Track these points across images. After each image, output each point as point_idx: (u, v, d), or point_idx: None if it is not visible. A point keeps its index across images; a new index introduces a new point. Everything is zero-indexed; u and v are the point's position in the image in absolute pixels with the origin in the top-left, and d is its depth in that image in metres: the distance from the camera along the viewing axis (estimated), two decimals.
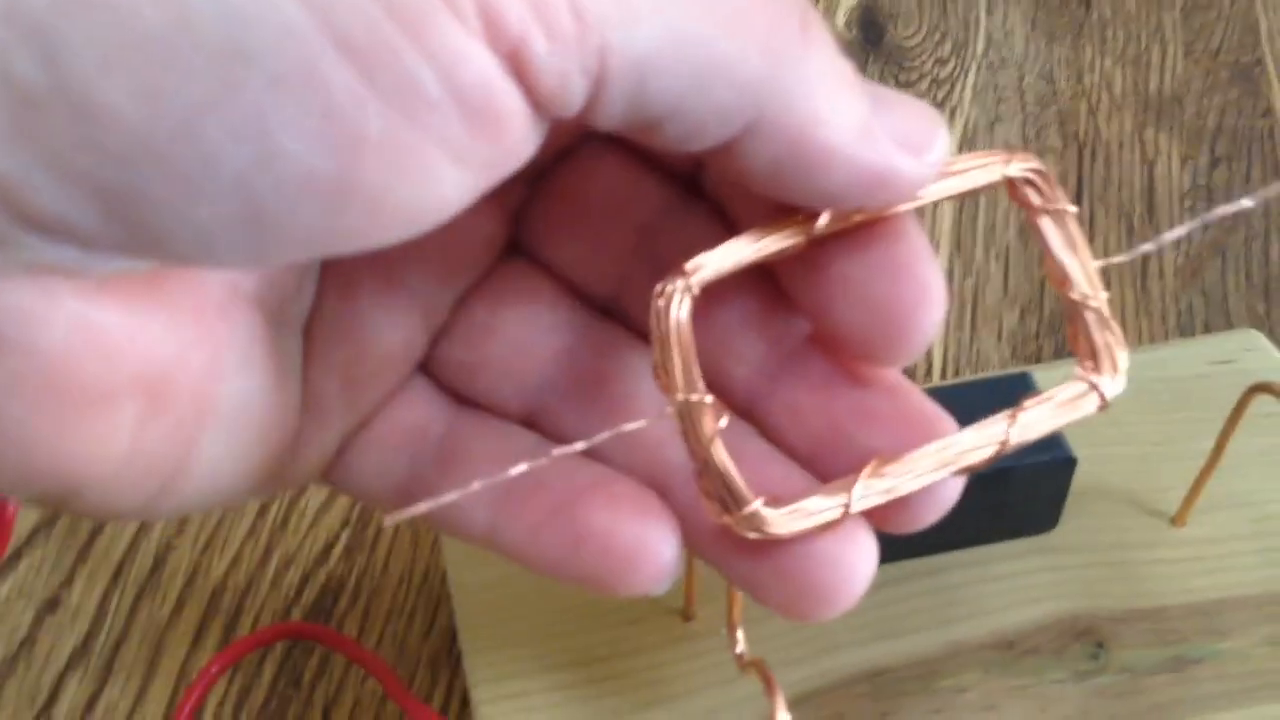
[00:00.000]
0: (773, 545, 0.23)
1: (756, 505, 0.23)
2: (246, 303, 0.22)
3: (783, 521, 0.23)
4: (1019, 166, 0.24)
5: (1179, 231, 0.26)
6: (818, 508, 0.23)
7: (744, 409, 0.25)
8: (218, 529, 0.50)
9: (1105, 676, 0.42)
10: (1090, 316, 0.25)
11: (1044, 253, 0.25)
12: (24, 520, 0.50)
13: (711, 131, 0.19)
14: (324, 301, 0.24)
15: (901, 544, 0.43)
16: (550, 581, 0.44)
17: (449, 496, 0.22)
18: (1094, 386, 0.25)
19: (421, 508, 0.22)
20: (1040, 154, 0.63)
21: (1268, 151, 0.63)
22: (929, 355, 0.55)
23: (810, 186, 0.20)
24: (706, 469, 0.23)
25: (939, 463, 0.24)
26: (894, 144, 0.21)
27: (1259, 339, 0.50)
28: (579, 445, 0.23)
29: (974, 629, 0.43)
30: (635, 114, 0.18)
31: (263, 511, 0.50)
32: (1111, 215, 0.61)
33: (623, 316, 0.26)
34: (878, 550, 0.24)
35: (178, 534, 0.50)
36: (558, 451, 0.22)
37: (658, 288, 0.22)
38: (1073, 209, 0.25)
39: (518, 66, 0.16)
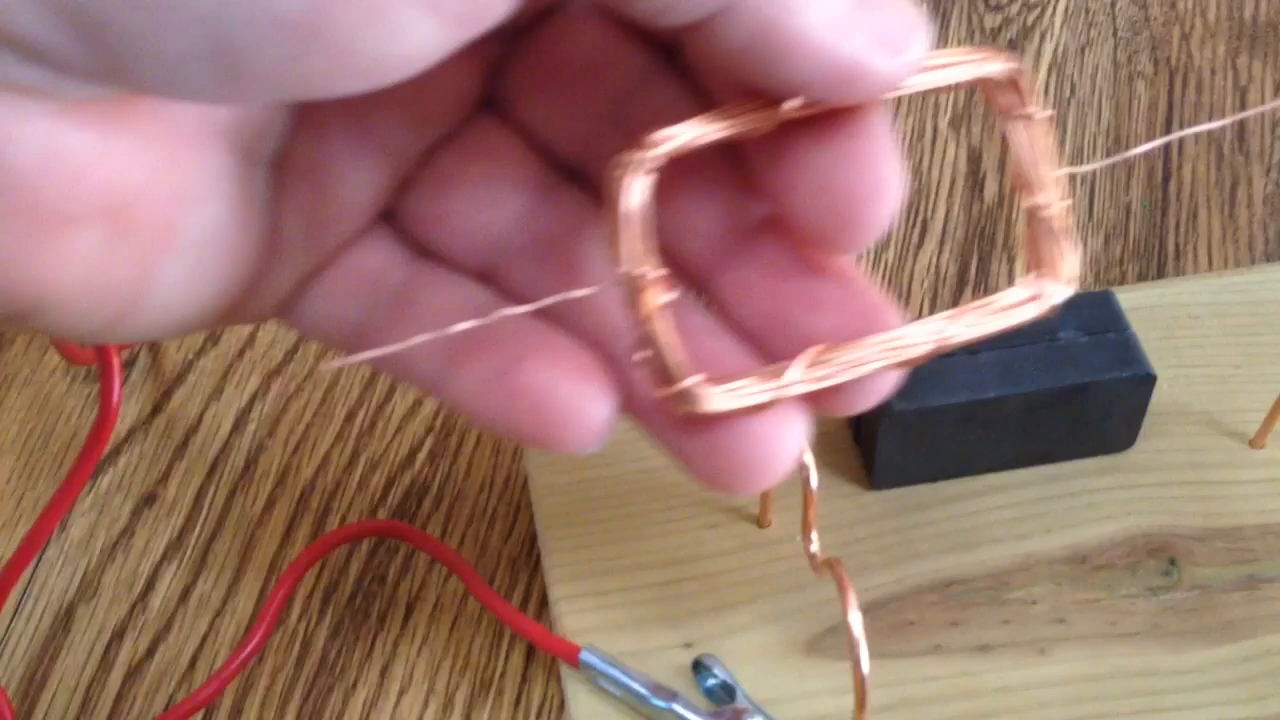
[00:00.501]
0: (704, 420, 0.24)
1: (690, 382, 0.23)
2: (217, 135, 0.22)
3: (715, 400, 0.23)
4: (997, 67, 0.24)
5: (1149, 146, 0.26)
6: (751, 389, 0.23)
7: (696, 283, 0.25)
8: (307, 432, 0.51)
9: (1177, 593, 0.42)
10: (1043, 224, 0.25)
11: (1010, 158, 0.25)
12: (123, 420, 0.52)
13: (684, 7, 0.19)
14: (296, 141, 0.24)
15: (980, 458, 0.44)
16: (628, 486, 0.45)
17: (393, 348, 0.22)
18: (1037, 295, 0.25)
19: (364, 356, 0.22)
20: (1130, 80, 0.63)
21: None
22: (1012, 276, 0.55)
23: (780, 73, 0.21)
24: (645, 342, 0.23)
25: (877, 354, 0.24)
26: (869, 40, 0.20)
27: None
28: (527, 307, 0.23)
29: (1048, 543, 0.43)
30: None
31: (350, 416, 0.52)
32: (1202, 142, 0.60)
33: (588, 181, 0.26)
34: (806, 432, 0.24)
35: (269, 435, 0.51)
36: (503, 313, 0.23)
37: (615, 159, 0.22)
38: (1046, 114, 0.25)
39: None
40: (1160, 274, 0.55)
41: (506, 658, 0.45)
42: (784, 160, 0.23)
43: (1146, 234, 0.57)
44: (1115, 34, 0.65)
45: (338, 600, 0.47)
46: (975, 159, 0.60)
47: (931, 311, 0.54)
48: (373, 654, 0.46)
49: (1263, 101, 0.62)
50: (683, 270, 0.25)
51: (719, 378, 0.23)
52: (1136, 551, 0.43)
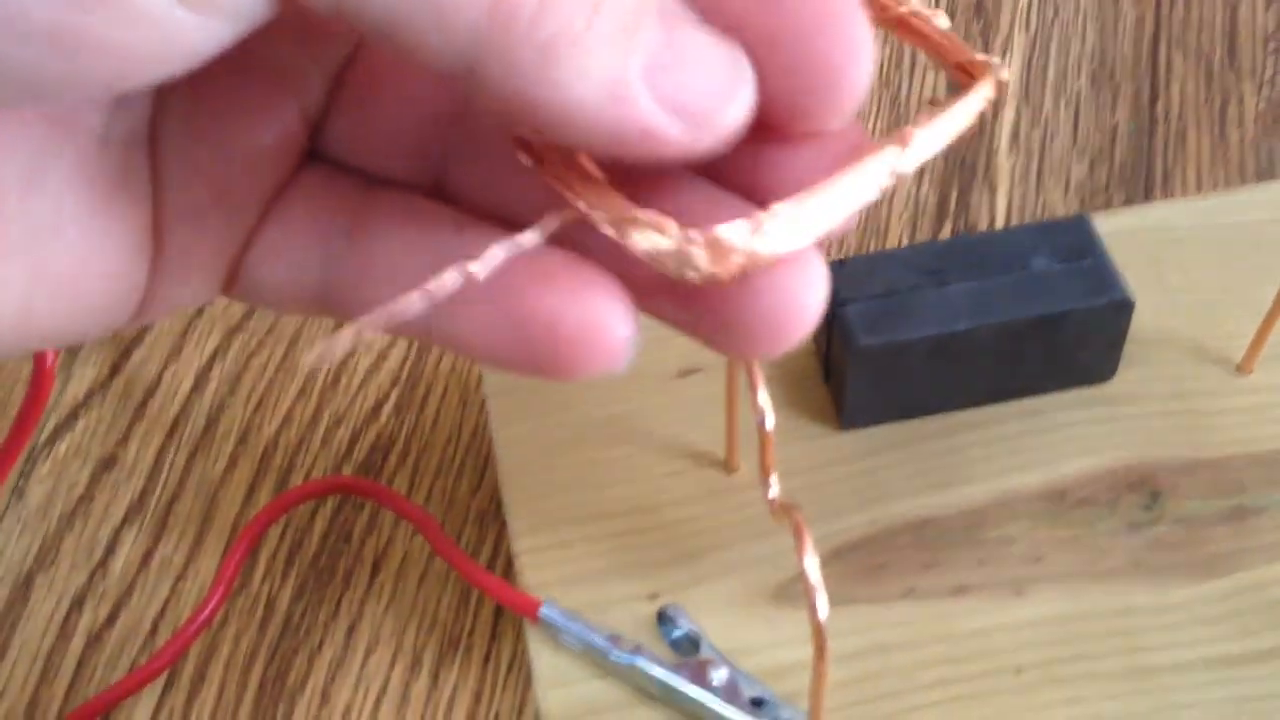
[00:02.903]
0: (734, 281, 0.22)
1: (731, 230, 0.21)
2: (44, 124, 0.21)
3: (773, 237, 0.21)
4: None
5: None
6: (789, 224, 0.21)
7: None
8: (269, 389, 0.50)
9: (1160, 527, 0.40)
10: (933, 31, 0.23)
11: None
12: (79, 381, 0.50)
13: (425, 62, 0.18)
14: (167, 109, 0.22)
15: (953, 394, 0.42)
16: (590, 433, 0.43)
17: (374, 318, 0.20)
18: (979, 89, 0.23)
19: (346, 338, 0.20)
20: None
21: None
22: (993, 207, 0.53)
23: (555, 135, 0.19)
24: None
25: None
26: (662, 106, 0.19)
27: None
28: (494, 257, 0.21)
29: (1026, 480, 0.41)
30: (339, 15, 0.17)
31: (312, 372, 0.50)
32: (1190, 59, 0.58)
33: None
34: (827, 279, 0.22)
35: (230, 393, 0.50)
36: (478, 265, 0.21)
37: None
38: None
39: None
40: (1148, 199, 0.53)
41: (475, 615, 0.44)
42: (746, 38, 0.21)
43: (1133, 158, 0.55)
44: None
45: (302, 560, 0.46)
46: (956, 86, 0.57)
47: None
48: (338, 614, 0.45)
49: (1254, 18, 0.59)
50: None
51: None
52: (1117, 486, 0.41)
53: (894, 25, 0.24)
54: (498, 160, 0.23)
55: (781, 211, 0.21)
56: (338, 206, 0.24)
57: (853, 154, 0.21)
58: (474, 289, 0.21)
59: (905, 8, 0.23)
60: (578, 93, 0.18)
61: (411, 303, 0.20)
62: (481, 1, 0.17)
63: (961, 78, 0.24)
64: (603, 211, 0.21)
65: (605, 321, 0.21)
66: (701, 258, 0.20)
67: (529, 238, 0.21)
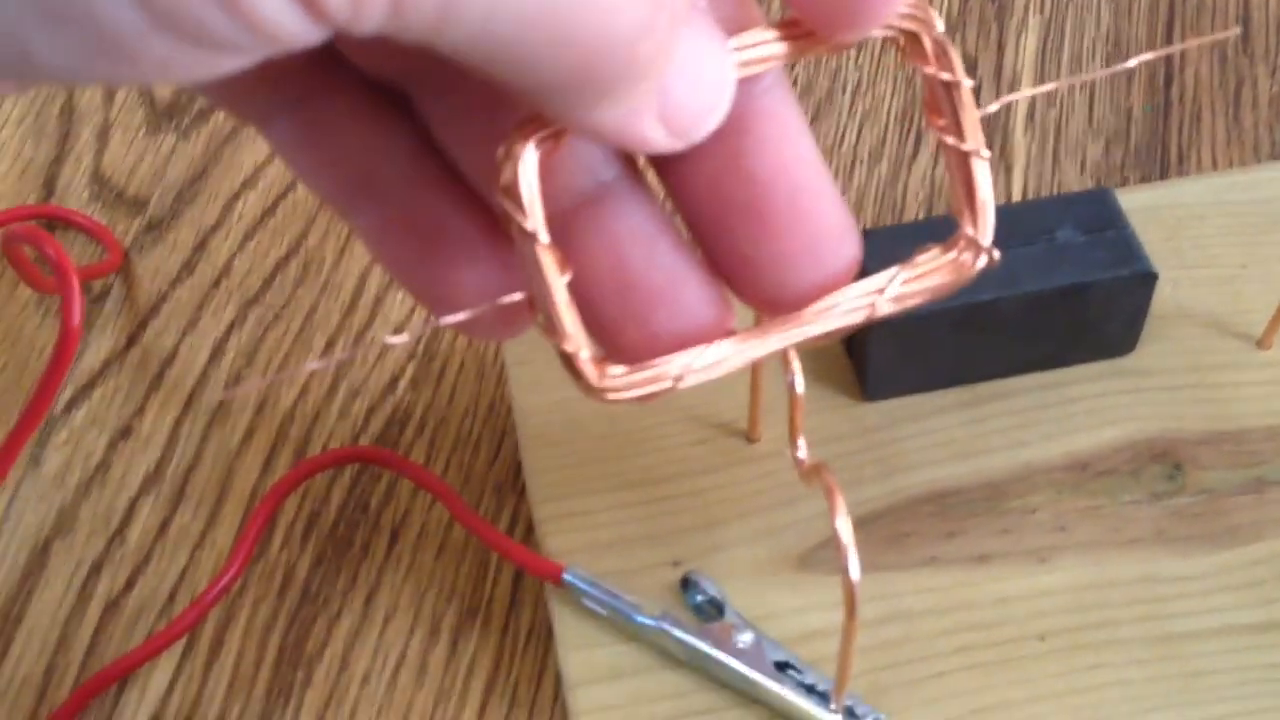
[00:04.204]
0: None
1: (577, 350, 0.23)
2: None
3: (603, 379, 0.23)
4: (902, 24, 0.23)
5: (1042, 89, 0.26)
6: (638, 376, 0.24)
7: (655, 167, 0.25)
8: (285, 361, 0.50)
9: (1182, 498, 0.40)
10: (966, 169, 0.24)
11: (926, 92, 0.24)
12: (96, 352, 0.50)
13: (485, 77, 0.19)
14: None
15: (976, 366, 0.43)
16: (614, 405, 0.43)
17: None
18: (960, 253, 0.24)
19: (257, 383, 0.22)
20: None
21: None
22: (1009, 186, 0.53)
23: (554, 121, 0.21)
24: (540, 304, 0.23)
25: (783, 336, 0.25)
26: (659, 121, 0.21)
27: None
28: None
29: (1047, 451, 0.42)
30: (431, 47, 0.18)
31: (330, 344, 0.50)
32: (1204, 44, 0.58)
33: None
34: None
35: (247, 365, 0.50)
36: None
37: (501, 149, 0.22)
38: (969, 84, 0.23)
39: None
40: (1163, 179, 0.54)
41: (494, 584, 0.44)
42: None
43: (1148, 139, 0.55)
44: None
45: (320, 530, 0.46)
46: (971, 65, 0.58)
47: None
48: (357, 583, 0.45)
49: (1268, 3, 0.59)
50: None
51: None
52: (1139, 457, 0.41)
53: (949, 154, 0.24)
54: (465, 98, 0.24)
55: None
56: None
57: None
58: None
59: (965, 145, 0.24)
60: (602, 118, 0.20)
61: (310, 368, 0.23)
62: (568, 60, 0.18)
63: (955, 204, 0.24)
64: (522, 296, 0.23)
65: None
66: (588, 374, 0.23)
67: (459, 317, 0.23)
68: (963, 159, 0.24)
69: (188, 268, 0.53)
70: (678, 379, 0.24)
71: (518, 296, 0.23)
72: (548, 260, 0.22)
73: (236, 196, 0.55)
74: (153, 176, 0.56)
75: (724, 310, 0.24)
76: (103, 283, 0.52)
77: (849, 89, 0.57)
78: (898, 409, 0.43)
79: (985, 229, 0.24)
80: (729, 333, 0.24)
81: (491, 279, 0.24)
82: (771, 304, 0.24)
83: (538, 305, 0.22)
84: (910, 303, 0.25)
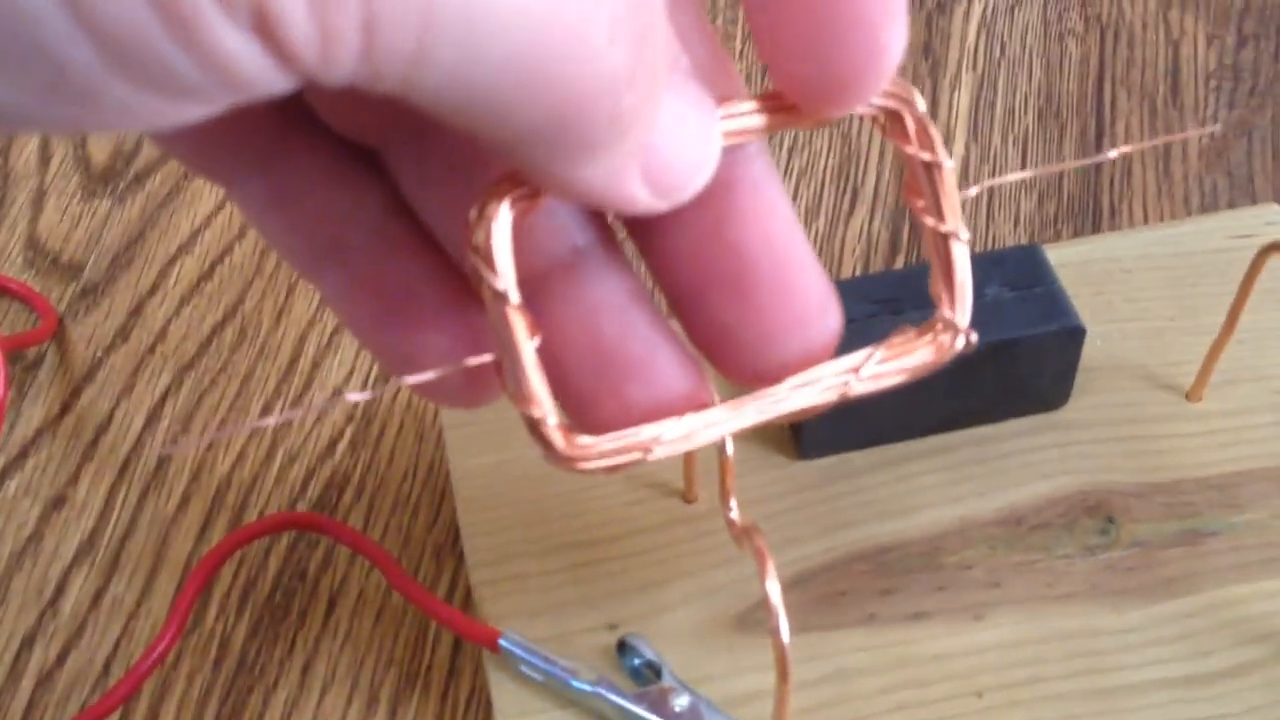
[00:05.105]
0: None
1: (545, 417, 0.22)
2: None
3: (568, 448, 0.23)
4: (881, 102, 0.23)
5: (1021, 175, 0.26)
6: (608, 445, 0.24)
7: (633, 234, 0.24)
8: (222, 424, 0.50)
9: (1116, 551, 0.41)
10: (946, 250, 0.24)
11: (907, 176, 0.24)
12: (29, 420, 0.50)
13: (466, 131, 0.18)
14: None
15: (910, 423, 0.43)
16: (548, 466, 0.43)
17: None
18: (939, 335, 0.25)
19: (201, 439, 0.22)
20: (1061, 38, 0.61)
21: None
22: None
23: (535, 182, 0.21)
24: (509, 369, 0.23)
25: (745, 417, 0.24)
26: (643, 180, 0.20)
27: None
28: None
29: (982, 506, 0.42)
30: (403, 98, 0.17)
31: (266, 409, 0.50)
32: (1134, 98, 0.59)
33: None
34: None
35: (183, 431, 0.49)
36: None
37: (474, 209, 0.21)
38: (950, 164, 0.24)
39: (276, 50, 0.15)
40: (1096, 232, 0.54)
41: (433, 650, 0.44)
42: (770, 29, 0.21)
43: (1080, 192, 0.56)
44: None
45: (256, 598, 0.45)
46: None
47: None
48: (294, 652, 0.44)
49: (1195, 55, 0.61)
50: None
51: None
52: (1073, 510, 0.41)
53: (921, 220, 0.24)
54: (437, 156, 0.23)
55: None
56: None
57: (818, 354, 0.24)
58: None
59: (945, 227, 0.24)
60: (583, 175, 0.19)
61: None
62: (545, 107, 0.17)
63: (935, 285, 0.24)
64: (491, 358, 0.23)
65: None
66: (555, 442, 0.23)
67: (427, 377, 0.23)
68: (942, 240, 0.24)
69: (122, 334, 0.52)
70: (647, 450, 0.23)
71: (486, 358, 0.23)
72: (518, 322, 0.22)
73: (173, 261, 0.55)
74: (88, 241, 0.56)
75: (699, 382, 0.24)
76: (37, 350, 0.52)
77: (785, 145, 0.58)
78: (833, 467, 0.43)
79: (964, 310, 0.24)
80: (703, 405, 0.24)
81: (459, 343, 0.24)
82: (751, 376, 0.24)
83: (506, 369, 0.22)
84: (885, 383, 0.25)
